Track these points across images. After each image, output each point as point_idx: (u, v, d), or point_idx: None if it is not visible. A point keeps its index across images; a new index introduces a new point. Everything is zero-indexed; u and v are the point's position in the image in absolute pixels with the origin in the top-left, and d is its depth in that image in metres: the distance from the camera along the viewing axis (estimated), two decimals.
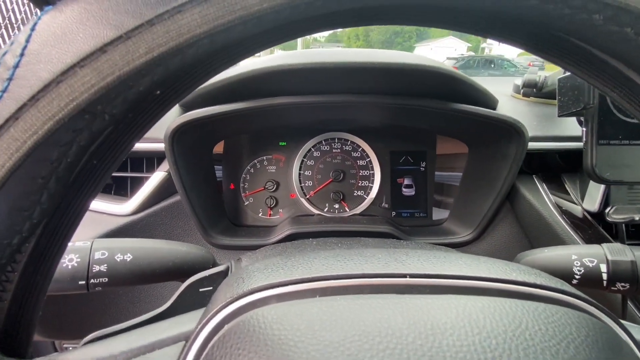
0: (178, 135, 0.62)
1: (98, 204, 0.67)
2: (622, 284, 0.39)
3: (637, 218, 0.59)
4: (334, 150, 0.79)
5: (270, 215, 0.78)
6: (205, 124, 0.63)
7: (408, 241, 0.66)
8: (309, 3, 0.16)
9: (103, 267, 0.36)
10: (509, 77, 1.20)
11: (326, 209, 0.79)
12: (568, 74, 0.56)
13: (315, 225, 0.71)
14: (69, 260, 0.35)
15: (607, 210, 0.60)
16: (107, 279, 0.36)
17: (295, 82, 0.62)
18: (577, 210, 0.66)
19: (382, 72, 0.58)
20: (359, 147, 0.79)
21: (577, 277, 0.40)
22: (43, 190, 0.17)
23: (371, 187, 0.79)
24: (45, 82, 0.15)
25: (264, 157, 0.78)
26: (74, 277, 0.35)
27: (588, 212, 0.64)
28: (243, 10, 0.16)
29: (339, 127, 0.78)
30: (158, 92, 0.19)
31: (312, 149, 0.78)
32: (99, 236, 0.65)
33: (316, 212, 0.78)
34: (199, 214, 0.66)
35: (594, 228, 0.62)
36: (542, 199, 0.68)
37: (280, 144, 0.78)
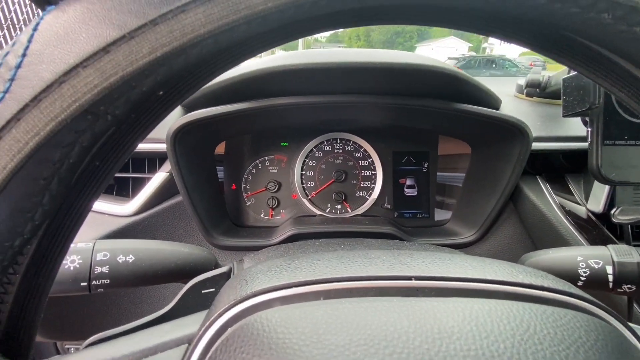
0: (180, 136, 0.62)
1: (100, 204, 0.66)
2: (629, 286, 0.38)
3: None
4: (335, 151, 0.78)
5: (272, 215, 0.78)
6: (207, 124, 0.63)
7: (411, 242, 0.66)
8: (314, 2, 0.16)
9: (105, 269, 0.36)
10: (511, 77, 1.19)
11: (328, 209, 0.78)
12: (573, 73, 0.56)
13: (317, 225, 0.71)
14: (71, 261, 0.35)
15: (612, 211, 0.60)
16: (109, 281, 0.36)
17: (297, 83, 0.62)
18: (581, 211, 0.65)
19: (384, 72, 0.58)
20: (361, 147, 0.79)
21: (582, 278, 0.39)
22: (45, 191, 0.17)
23: (373, 187, 0.79)
24: (48, 83, 0.15)
25: (266, 158, 0.78)
26: (75, 278, 0.35)
27: (592, 213, 0.64)
28: (247, 9, 0.16)
29: (341, 128, 0.78)
30: (161, 92, 0.18)
31: (314, 150, 0.78)
32: (101, 237, 0.65)
33: (318, 212, 0.78)
34: (201, 214, 0.66)
35: (598, 229, 0.62)
36: (546, 199, 0.67)
37: (282, 144, 0.78)
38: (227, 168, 0.77)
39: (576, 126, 0.70)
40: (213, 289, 0.36)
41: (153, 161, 0.69)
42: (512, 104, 0.78)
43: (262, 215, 0.78)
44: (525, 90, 0.83)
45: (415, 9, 0.19)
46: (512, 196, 0.70)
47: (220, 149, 0.77)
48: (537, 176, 0.72)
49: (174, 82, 0.19)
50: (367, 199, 0.79)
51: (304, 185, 0.78)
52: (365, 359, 0.16)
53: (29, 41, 0.16)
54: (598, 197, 0.62)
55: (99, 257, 0.36)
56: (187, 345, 0.22)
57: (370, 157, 0.79)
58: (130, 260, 0.37)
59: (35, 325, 0.21)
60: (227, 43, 0.17)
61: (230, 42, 0.17)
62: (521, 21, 0.19)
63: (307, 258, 0.25)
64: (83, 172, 0.19)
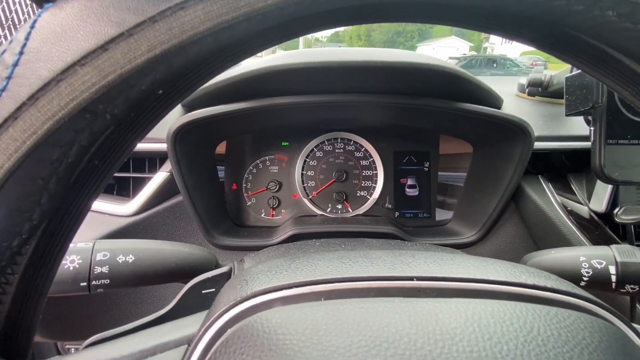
0: (180, 136, 0.61)
1: (100, 204, 0.66)
2: (632, 286, 0.38)
3: None
4: (336, 150, 0.78)
5: (272, 215, 0.78)
6: (207, 124, 0.63)
7: (412, 242, 0.66)
8: (313, 0, 0.16)
9: (105, 269, 0.36)
10: (512, 77, 1.19)
11: (329, 209, 0.78)
12: (576, 72, 0.55)
13: (318, 225, 0.71)
14: (71, 261, 0.35)
15: (615, 211, 0.59)
16: (108, 281, 0.36)
17: (298, 82, 0.62)
18: (583, 210, 0.65)
19: (385, 71, 0.58)
20: (362, 147, 0.78)
21: (585, 279, 0.39)
22: (43, 191, 0.17)
23: (374, 187, 0.78)
24: (45, 81, 0.15)
25: (267, 157, 0.78)
26: (75, 278, 0.35)
27: (595, 212, 0.63)
28: (247, 7, 0.15)
29: (341, 127, 0.78)
30: (160, 91, 0.18)
31: (315, 149, 0.78)
32: (101, 237, 0.64)
33: (319, 212, 0.77)
34: (202, 214, 0.66)
35: (600, 229, 0.61)
36: (548, 199, 0.67)
37: (283, 144, 0.78)
38: (227, 168, 0.77)
39: (578, 125, 0.70)
40: (213, 289, 0.35)
41: (153, 161, 0.69)
42: (514, 103, 0.77)
43: (262, 215, 0.78)
44: (527, 90, 0.82)
45: (415, 7, 0.19)
46: (513, 196, 0.69)
47: (222, 148, 0.77)
48: (539, 176, 0.71)
49: (173, 80, 0.19)
50: (368, 198, 0.78)
51: (305, 185, 0.78)
52: None
53: (27, 39, 0.15)
54: (600, 197, 0.62)
55: (99, 257, 0.36)
56: (186, 346, 0.22)
57: (371, 157, 0.78)
58: (130, 260, 0.37)
59: (33, 326, 0.21)
60: (227, 41, 0.17)
61: (230, 40, 0.17)
62: (523, 18, 0.19)
63: (307, 258, 0.25)
64: (82, 172, 0.19)
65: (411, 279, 0.22)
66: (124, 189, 0.70)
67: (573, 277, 0.39)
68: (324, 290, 0.21)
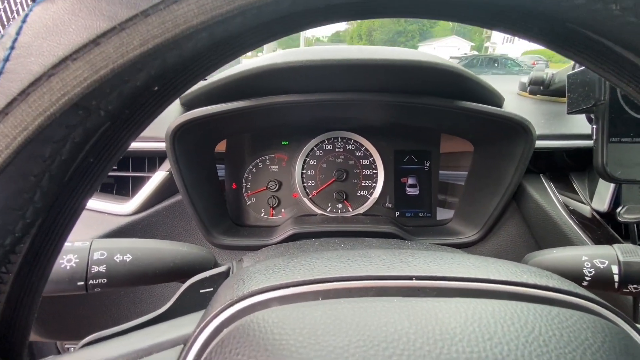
0: (179, 134, 0.61)
1: (99, 203, 0.66)
2: (635, 286, 0.38)
3: None
4: (336, 150, 0.78)
5: (272, 215, 0.78)
6: (207, 122, 0.63)
7: (413, 242, 0.66)
8: None
9: (102, 268, 0.35)
10: (513, 76, 1.18)
11: (329, 208, 0.78)
12: (578, 70, 0.55)
13: (317, 225, 0.70)
14: (68, 260, 0.35)
15: (618, 210, 0.59)
16: (106, 280, 0.36)
17: (298, 80, 0.61)
18: (585, 210, 0.64)
19: (386, 69, 0.58)
20: (362, 146, 0.78)
21: (587, 278, 0.39)
22: (36, 188, 0.17)
23: (374, 186, 0.78)
24: (36, 76, 0.15)
25: (266, 157, 0.77)
26: (72, 277, 0.35)
27: (597, 211, 0.63)
28: (241, 0, 0.15)
29: (342, 126, 0.77)
30: (156, 87, 0.18)
31: (315, 148, 0.78)
32: (100, 236, 0.64)
33: (319, 212, 0.77)
34: (201, 213, 0.66)
35: (603, 228, 0.61)
36: (550, 198, 0.66)
37: (283, 143, 0.78)
38: (227, 167, 0.77)
39: (580, 123, 0.69)
40: (211, 289, 0.35)
41: (153, 160, 0.69)
42: (515, 102, 0.77)
43: (262, 215, 0.78)
44: (528, 88, 0.82)
45: (415, 2, 0.19)
46: (515, 195, 0.69)
47: (221, 147, 0.76)
48: (541, 175, 0.71)
49: (168, 77, 0.18)
50: (369, 198, 0.78)
51: (305, 184, 0.78)
52: None
53: (18, 33, 0.15)
54: (603, 196, 0.61)
55: (96, 256, 0.36)
56: (182, 346, 0.22)
57: (372, 156, 0.78)
58: (128, 260, 0.36)
59: (29, 325, 0.21)
60: (222, 36, 0.16)
61: (225, 35, 0.16)
62: (525, 14, 0.19)
63: (305, 257, 0.25)
64: (76, 169, 0.18)
65: (410, 278, 0.21)
66: (123, 188, 0.70)
67: (575, 276, 0.39)
68: (321, 289, 0.21)
